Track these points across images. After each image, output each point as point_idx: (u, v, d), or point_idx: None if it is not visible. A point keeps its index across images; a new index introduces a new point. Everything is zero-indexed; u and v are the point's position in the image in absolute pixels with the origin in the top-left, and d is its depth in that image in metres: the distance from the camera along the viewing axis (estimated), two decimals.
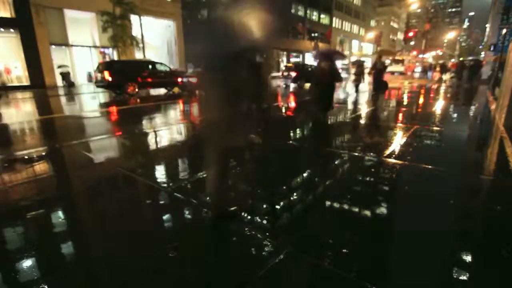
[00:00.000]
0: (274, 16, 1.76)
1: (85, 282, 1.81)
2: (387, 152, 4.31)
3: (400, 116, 7.86)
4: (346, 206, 2.72)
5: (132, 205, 2.81)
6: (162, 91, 15.14)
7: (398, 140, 5.11)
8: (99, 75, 12.80)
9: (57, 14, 18.54)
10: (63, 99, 12.51)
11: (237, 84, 1.86)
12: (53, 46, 18.71)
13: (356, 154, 4.27)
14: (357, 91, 12.95)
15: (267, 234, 2.20)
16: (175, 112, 8.92)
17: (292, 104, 10.59)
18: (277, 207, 2.70)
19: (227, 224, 2.34)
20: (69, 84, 18.05)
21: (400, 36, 77.31)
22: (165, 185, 3.16)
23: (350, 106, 9.87)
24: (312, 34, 41.57)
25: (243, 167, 3.79)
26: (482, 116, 7.94)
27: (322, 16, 45.10)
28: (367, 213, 2.61)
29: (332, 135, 5.90)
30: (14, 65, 17.57)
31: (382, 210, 2.68)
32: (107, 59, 20.06)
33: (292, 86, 17.23)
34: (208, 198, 2.66)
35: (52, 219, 2.56)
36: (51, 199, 2.89)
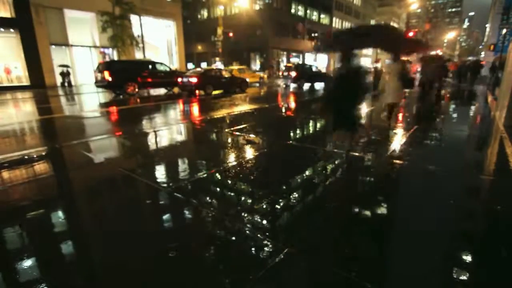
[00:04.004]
0: None
1: (85, 281, 1.81)
2: (388, 151, 4.31)
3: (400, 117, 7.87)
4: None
5: (132, 205, 2.81)
6: (162, 91, 15.16)
7: (398, 140, 5.11)
8: (99, 75, 12.80)
9: (57, 14, 18.56)
10: (63, 99, 12.52)
11: None
12: (53, 46, 18.72)
13: None
14: None
15: (266, 234, 2.20)
16: (175, 112, 8.92)
17: None
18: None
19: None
20: (69, 84, 18.08)
21: None
22: (165, 185, 3.16)
23: None
24: (312, 34, 41.57)
25: None
26: (482, 116, 7.94)
27: (322, 16, 45.08)
28: (368, 212, 2.61)
29: None
30: (14, 65, 17.58)
31: (382, 210, 2.68)
32: (107, 59, 20.07)
33: (292, 86, 17.24)
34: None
35: (52, 219, 2.56)
36: (51, 199, 2.89)
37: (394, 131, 5.60)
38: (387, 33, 4.16)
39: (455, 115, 8.10)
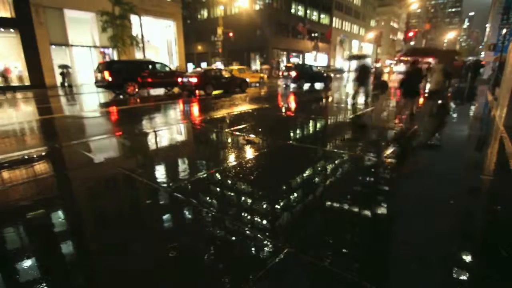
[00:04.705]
0: None
1: (85, 282, 1.81)
2: (387, 151, 4.31)
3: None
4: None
5: (132, 205, 2.81)
6: (162, 91, 15.16)
7: (397, 139, 5.11)
8: (99, 75, 12.80)
9: (57, 14, 18.56)
10: (63, 99, 12.52)
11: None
12: (53, 46, 18.73)
13: None
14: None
15: (267, 234, 2.20)
16: (175, 112, 8.92)
17: None
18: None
19: None
20: (69, 84, 18.09)
21: (400, 36, 77.32)
22: (165, 185, 3.16)
23: None
24: (312, 34, 41.58)
25: None
26: (482, 116, 7.94)
27: (322, 16, 45.09)
28: (368, 212, 2.61)
29: None
30: (14, 65, 17.59)
31: (382, 210, 2.68)
32: (107, 59, 20.08)
33: (292, 86, 17.24)
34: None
35: (52, 219, 2.56)
36: (51, 199, 2.89)
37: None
38: (437, 50, 10.29)
39: (455, 115, 8.09)
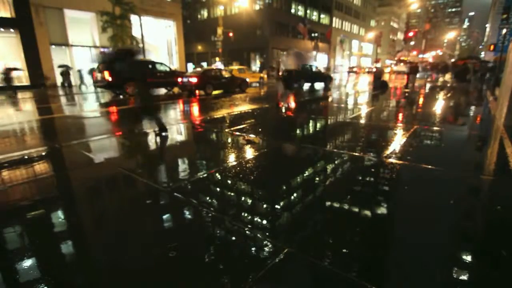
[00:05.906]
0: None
1: (84, 282, 1.81)
2: (387, 151, 4.31)
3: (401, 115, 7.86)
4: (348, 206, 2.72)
5: (132, 205, 2.80)
6: (162, 91, 15.16)
7: (398, 139, 5.11)
8: (99, 75, 12.80)
9: (57, 14, 18.57)
10: (63, 99, 12.52)
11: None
12: (53, 46, 18.73)
13: None
14: None
15: (267, 234, 2.20)
16: (175, 112, 8.91)
17: None
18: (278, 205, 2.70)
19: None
20: (69, 84, 18.09)
21: (400, 36, 77.38)
22: (165, 185, 3.16)
23: None
24: (312, 34, 41.58)
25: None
26: (482, 116, 7.93)
27: (322, 16, 45.11)
28: (368, 213, 2.60)
29: None
30: (14, 65, 17.58)
31: (382, 210, 2.68)
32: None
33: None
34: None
35: (52, 219, 2.56)
36: (51, 199, 2.89)
37: None
38: (471, 56, 18.40)
39: (455, 115, 8.09)
